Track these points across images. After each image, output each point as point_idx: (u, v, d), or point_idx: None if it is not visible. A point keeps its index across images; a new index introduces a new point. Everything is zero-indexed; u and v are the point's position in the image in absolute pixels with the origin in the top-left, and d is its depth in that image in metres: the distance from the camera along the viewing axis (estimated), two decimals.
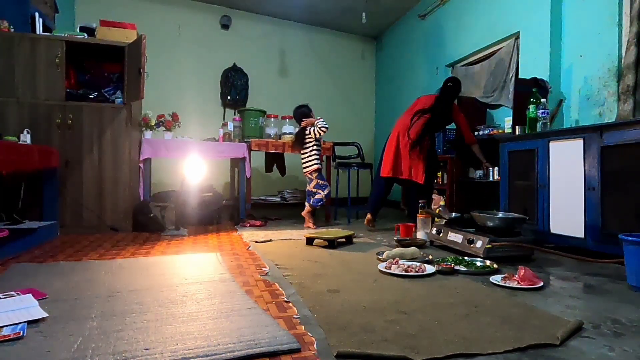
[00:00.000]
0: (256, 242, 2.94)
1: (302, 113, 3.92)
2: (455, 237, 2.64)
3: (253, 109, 4.62)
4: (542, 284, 1.84)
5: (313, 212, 3.88)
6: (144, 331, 1.27)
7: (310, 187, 3.87)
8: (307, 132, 3.83)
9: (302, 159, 3.89)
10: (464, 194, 3.95)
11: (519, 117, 3.15)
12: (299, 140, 3.89)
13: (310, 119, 3.86)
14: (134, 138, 3.49)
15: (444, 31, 4.89)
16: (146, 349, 1.14)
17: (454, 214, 2.88)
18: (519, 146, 3.06)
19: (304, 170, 3.89)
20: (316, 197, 3.82)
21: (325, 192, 3.82)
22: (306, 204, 3.89)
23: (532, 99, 3.03)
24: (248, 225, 3.79)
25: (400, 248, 2.45)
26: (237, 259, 2.40)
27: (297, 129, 4.06)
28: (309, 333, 1.29)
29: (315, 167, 3.82)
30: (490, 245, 2.32)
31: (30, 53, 3.16)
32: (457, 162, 3.93)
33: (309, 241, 2.89)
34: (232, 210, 4.52)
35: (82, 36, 3.34)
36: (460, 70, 4.62)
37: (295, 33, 6.14)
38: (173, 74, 5.30)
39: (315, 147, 3.85)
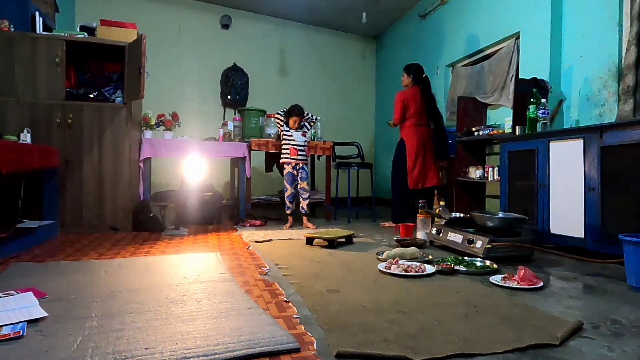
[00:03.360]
0: (256, 241, 2.94)
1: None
2: (455, 237, 2.64)
3: (253, 108, 4.61)
4: (542, 284, 1.84)
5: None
6: (143, 330, 1.27)
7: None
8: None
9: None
10: (464, 194, 3.95)
11: (519, 117, 3.15)
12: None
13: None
14: (134, 138, 3.49)
15: (444, 31, 4.89)
16: (146, 349, 1.14)
17: (454, 214, 2.88)
18: (519, 146, 3.06)
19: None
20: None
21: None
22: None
23: (532, 99, 3.03)
24: (248, 225, 3.79)
25: (400, 248, 2.45)
26: (237, 259, 2.40)
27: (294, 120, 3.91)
28: (308, 333, 1.29)
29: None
30: (490, 246, 2.33)
31: (31, 52, 3.16)
32: (457, 162, 3.93)
33: (309, 241, 2.89)
34: (232, 210, 4.52)
35: (82, 35, 3.34)
36: (460, 70, 4.62)
37: (295, 33, 6.14)
38: (173, 73, 5.30)
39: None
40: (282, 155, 3.88)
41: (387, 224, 3.94)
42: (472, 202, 3.89)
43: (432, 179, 3.82)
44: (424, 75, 3.97)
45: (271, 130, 4.36)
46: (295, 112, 3.83)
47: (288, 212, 3.82)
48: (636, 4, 2.70)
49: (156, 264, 2.20)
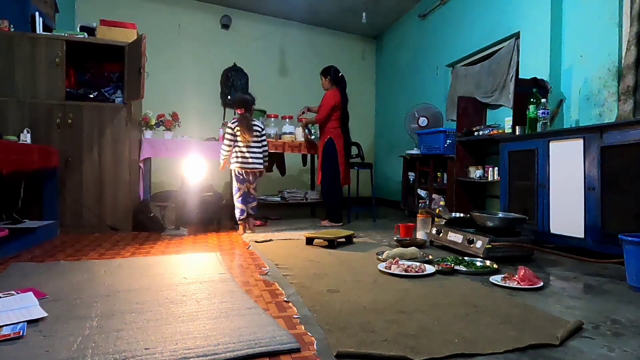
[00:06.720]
0: (256, 242, 2.94)
1: (242, 99, 3.43)
2: (455, 237, 2.64)
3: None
4: (542, 284, 1.84)
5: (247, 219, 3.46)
6: (143, 331, 1.27)
7: (252, 189, 3.47)
8: (255, 122, 3.44)
9: (249, 152, 3.35)
10: (464, 194, 3.95)
11: (519, 117, 3.15)
12: (249, 127, 3.34)
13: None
14: (134, 138, 3.49)
15: (444, 31, 4.89)
16: (146, 349, 1.14)
17: (454, 214, 2.88)
18: (519, 146, 3.06)
19: (248, 167, 3.36)
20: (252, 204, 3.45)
21: (254, 204, 3.48)
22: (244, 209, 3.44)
23: (532, 99, 3.03)
24: None
25: (400, 248, 2.45)
26: (237, 259, 2.40)
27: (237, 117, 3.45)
28: (308, 333, 1.30)
29: (262, 168, 3.44)
30: (490, 245, 2.33)
31: (31, 52, 3.16)
32: (457, 162, 3.93)
33: (309, 241, 2.89)
34: (232, 210, 4.51)
35: (82, 36, 3.34)
36: (460, 70, 4.62)
37: (295, 33, 6.13)
38: (173, 73, 5.30)
39: (264, 145, 3.48)
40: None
41: (326, 223, 3.93)
42: (472, 202, 3.89)
43: (349, 178, 4.13)
44: (340, 75, 4.03)
45: (271, 130, 4.36)
46: (235, 102, 3.50)
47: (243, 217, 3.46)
48: (636, 4, 2.69)
49: (156, 264, 2.20)
